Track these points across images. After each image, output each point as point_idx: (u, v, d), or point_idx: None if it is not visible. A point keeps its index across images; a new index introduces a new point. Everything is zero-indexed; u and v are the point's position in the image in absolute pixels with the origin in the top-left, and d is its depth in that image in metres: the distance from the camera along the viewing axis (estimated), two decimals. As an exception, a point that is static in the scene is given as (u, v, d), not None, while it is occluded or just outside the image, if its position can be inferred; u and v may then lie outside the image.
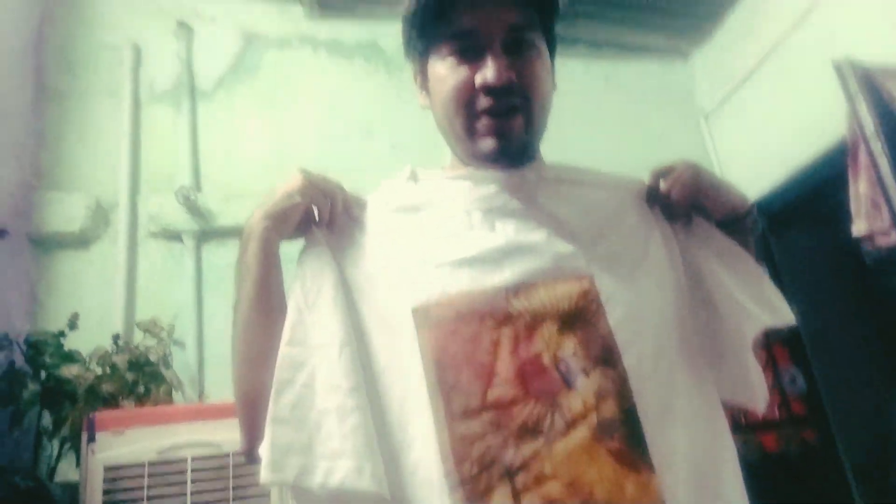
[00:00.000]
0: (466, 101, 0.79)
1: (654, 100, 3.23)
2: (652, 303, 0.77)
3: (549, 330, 0.70)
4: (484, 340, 0.69)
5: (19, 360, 1.85)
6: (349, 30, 2.96)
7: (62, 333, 1.91)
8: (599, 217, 0.81)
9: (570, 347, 0.70)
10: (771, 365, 2.58)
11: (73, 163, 2.44)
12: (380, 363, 0.72)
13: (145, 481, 1.51)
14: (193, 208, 2.39)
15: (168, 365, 2.01)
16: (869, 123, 2.03)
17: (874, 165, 2.02)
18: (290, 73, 2.83)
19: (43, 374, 1.84)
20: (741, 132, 2.98)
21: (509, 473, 0.64)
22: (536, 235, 0.76)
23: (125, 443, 1.57)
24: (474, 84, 0.78)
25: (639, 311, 0.75)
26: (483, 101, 0.79)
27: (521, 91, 0.79)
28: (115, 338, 2.02)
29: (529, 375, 0.68)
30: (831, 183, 2.29)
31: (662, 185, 0.84)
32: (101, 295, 2.25)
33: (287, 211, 0.77)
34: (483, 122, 0.79)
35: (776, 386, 2.55)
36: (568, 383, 0.68)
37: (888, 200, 1.99)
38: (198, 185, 2.51)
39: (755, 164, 2.84)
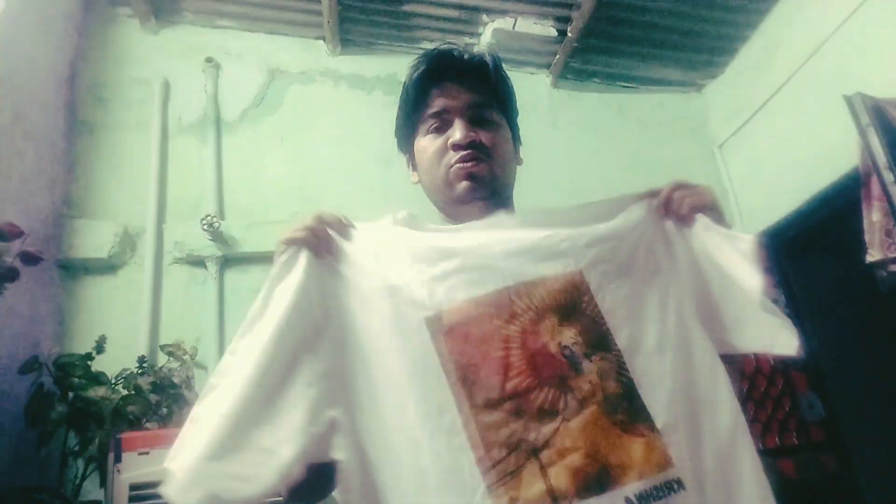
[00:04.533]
0: (442, 159, 1.01)
1: (669, 130, 3.28)
2: (641, 288, 0.86)
3: (550, 322, 0.79)
4: (495, 338, 0.78)
5: (48, 383, 1.90)
6: (369, 64, 3.06)
7: (89, 356, 1.96)
8: (577, 224, 0.90)
9: (570, 336, 0.79)
10: (789, 391, 2.57)
11: (102, 192, 2.54)
12: (393, 367, 0.79)
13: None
14: (217, 235, 2.46)
15: (191, 387, 2.05)
16: (881, 155, 2.06)
17: (887, 196, 2.05)
18: (312, 106, 2.93)
19: (70, 396, 1.89)
20: (755, 162, 3.01)
21: (535, 451, 0.72)
22: (527, 243, 0.86)
23: (149, 463, 1.61)
24: (447, 146, 1.01)
25: (626, 297, 0.84)
26: (454, 156, 1.00)
27: (483, 149, 1.00)
28: (141, 360, 2.08)
29: (540, 364, 0.77)
30: (845, 211, 2.31)
31: (679, 192, 0.92)
32: (127, 319, 2.32)
33: (285, 263, 0.84)
34: (455, 171, 1.00)
35: (794, 412, 2.53)
36: (574, 368, 0.77)
37: (901, 230, 2.01)
38: (222, 214, 2.58)
39: (769, 193, 2.88)
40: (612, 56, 3.17)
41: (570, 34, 2.97)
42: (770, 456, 2.44)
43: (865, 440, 2.52)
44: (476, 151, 0.99)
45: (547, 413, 0.74)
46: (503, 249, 0.85)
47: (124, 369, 2.02)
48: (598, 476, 0.71)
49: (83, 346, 2.04)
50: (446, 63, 1.05)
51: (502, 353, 0.77)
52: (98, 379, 1.93)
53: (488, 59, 1.06)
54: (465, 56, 1.06)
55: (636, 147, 3.17)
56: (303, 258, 0.83)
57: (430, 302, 0.81)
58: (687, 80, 3.37)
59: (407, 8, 2.93)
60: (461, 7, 2.94)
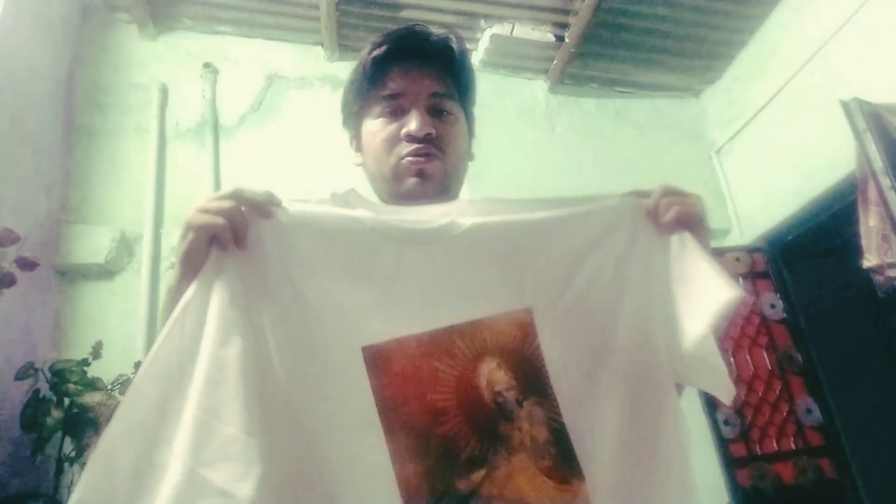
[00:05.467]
0: (393, 148, 0.94)
1: (666, 136, 3.29)
2: (594, 323, 0.80)
3: (488, 366, 0.77)
4: (431, 381, 0.74)
5: (44, 388, 1.90)
6: (367, 70, 3.06)
7: (86, 361, 1.95)
8: (531, 243, 0.81)
9: (505, 382, 0.76)
10: (786, 395, 2.57)
11: (100, 197, 2.53)
12: (325, 393, 0.72)
13: (165, 507, 1.54)
14: (215, 241, 2.45)
15: (187, 393, 2.04)
16: (877, 160, 2.06)
17: (883, 201, 2.05)
18: (310, 112, 2.92)
19: (66, 402, 1.88)
20: (752, 167, 3.02)
21: (462, 501, 0.70)
22: (477, 271, 0.79)
23: (145, 469, 1.60)
24: (400, 136, 0.93)
25: (573, 341, 0.79)
26: (406, 148, 0.93)
27: (438, 144, 0.93)
28: (137, 366, 2.06)
29: (472, 411, 0.74)
30: (842, 216, 2.32)
31: (667, 199, 0.81)
32: (124, 324, 2.31)
33: (189, 252, 0.72)
34: (405, 165, 0.93)
35: (792, 417, 2.53)
36: (506, 415, 0.75)
37: (898, 235, 2.01)
38: (219, 219, 2.57)
39: (766, 198, 2.88)
40: (610, 61, 3.18)
41: (567, 40, 2.98)
42: (767, 461, 2.44)
43: (863, 445, 2.52)
44: (430, 146, 0.93)
45: (476, 461, 0.72)
46: (450, 281, 0.78)
47: (121, 375, 2.00)
48: None
49: (80, 351, 2.02)
50: (410, 43, 0.98)
51: (436, 396, 0.74)
52: (94, 385, 1.92)
53: (454, 44, 0.99)
54: (431, 38, 0.99)
55: (634, 152, 3.18)
56: (228, 260, 0.71)
57: (368, 331, 0.74)
58: (684, 85, 3.38)
59: (405, 14, 2.94)
60: (459, 13, 2.94)
